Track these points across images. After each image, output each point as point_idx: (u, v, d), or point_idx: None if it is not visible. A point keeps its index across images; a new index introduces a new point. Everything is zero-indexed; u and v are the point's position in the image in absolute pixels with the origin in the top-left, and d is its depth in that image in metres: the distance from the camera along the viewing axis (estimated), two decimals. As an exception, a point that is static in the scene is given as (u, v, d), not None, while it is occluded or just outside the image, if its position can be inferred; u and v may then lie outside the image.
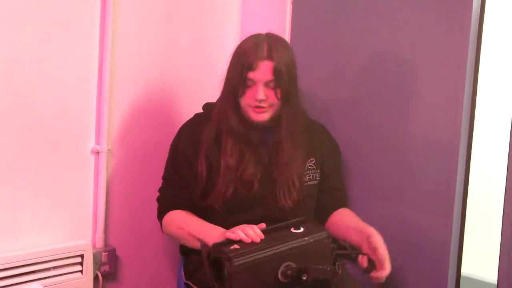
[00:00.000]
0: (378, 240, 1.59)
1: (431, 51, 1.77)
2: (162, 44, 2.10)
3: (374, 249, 1.58)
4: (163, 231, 1.83)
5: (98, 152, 1.94)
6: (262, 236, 1.45)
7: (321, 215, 1.86)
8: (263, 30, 1.77)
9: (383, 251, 1.57)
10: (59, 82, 1.83)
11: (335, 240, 1.48)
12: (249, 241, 1.43)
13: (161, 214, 1.81)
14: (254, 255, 1.35)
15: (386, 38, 1.88)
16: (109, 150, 1.96)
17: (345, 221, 1.80)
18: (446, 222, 1.72)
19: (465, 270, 1.74)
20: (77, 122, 1.89)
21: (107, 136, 1.94)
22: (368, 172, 1.91)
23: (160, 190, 1.85)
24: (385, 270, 1.56)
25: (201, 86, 2.19)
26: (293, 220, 1.48)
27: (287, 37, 2.14)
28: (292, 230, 1.43)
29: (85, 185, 1.94)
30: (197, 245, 1.60)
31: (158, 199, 1.84)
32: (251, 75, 1.66)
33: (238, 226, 1.50)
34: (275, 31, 1.79)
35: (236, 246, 1.40)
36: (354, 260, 1.51)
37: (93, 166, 1.95)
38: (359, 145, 1.94)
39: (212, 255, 1.38)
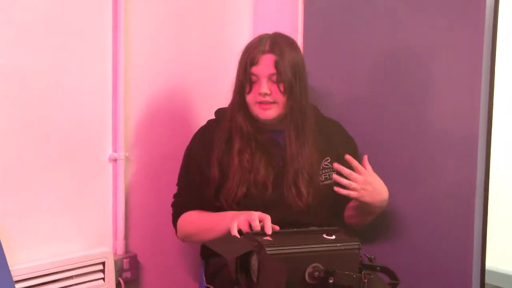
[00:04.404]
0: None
1: (446, 46, 1.76)
2: (175, 49, 2.10)
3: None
4: (178, 236, 1.83)
5: (115, 160, 1.95)
6: (276, 228, 1.49)
7: (340, 212, 1.85)
8: (275, 31, 1.77)
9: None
10: (74, 91, 1.84)
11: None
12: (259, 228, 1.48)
13: (175, 219, 1.82)
14: (286, 249, 1.37)
15: (400, 35, 1.88)
16: (126, 157, 1.97)
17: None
18: (467, 217, 1.71)
19: (490, 264, 1.72)
20: (94, 131, 1.90)
21: (124, 144, 1.95)
22: (386, 168, 1.89)
23: (174, 196, 1.86)
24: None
25: (215, 90, 2.19)
26: (327, 227, 1.50)
27: (300, 37, 2.14)
28: (325, 236, 1.44)
29: (104, 192, 1.95)
30: (212, 235, 1.62)
31: (172, 205, 1.85)
32: (254, 69, 1.68)
33: (255, 212, 1.52)
34: (288, 31, 1.81)
35: (268, 237, 1.42)
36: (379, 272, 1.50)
37: (111, 173, 1.96)
38: (377, 142, 1.93)
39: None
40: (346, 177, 1.64)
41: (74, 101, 1.84)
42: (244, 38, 2.27)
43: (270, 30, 1.79)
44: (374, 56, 1.95)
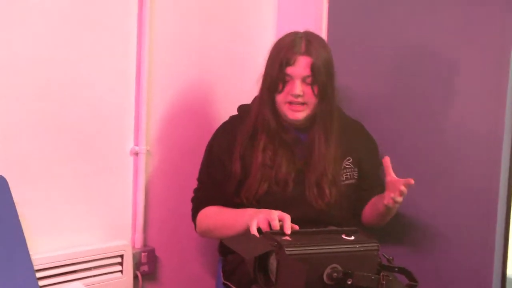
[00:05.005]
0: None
1: (471, 45, 1.74)
2: (199, 44, 2.10)
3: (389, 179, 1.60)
4: (197, 231, 1.83)
5: (137, 153, 1.95)
6: (295, 227, 1.48)
7: (358, 212, 1.85)
8: (299, 28, 1.77)
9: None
10: (97, 83, 1.85)
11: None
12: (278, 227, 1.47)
13: (194, 214, 1.82)
14: (305, 249, 1.37)
15: (424, 33, 1.86)
16: (147, 151, 1.97)
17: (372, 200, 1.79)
18: (489, 221, 1.70)
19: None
20: (116, 124, 1.91)
21: (145, 137, 1.95)
22: (407, 168, 1.88)
23: (194, 191, 1.86)
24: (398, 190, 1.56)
25: (238, 85, 2.19)
26: (346, 228, 1.50)
27: (323, 34, 2.12)
28: (343, 236, 1.44)
29: (124, 186, 1.95)
30: (231, 232, 1.63)
31: (192, 200, 1.85)
32: (289, 70, 1.67)
33: (275, 212, 1.51)
34: (312, 28, 1.79)
35: (287, 237, 1.42)
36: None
37: (132, 167, 1.96)
38: (399, 141, 1.92)
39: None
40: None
41: (97, 94, 1.85)
42: (268, 35, 2.28)
43: (293, 27, 1.79)
44: (398, 54, 1.93)
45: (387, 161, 1.64)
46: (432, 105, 1.84)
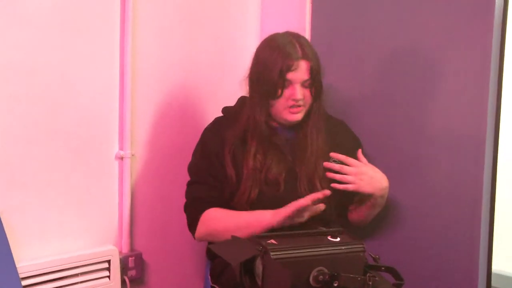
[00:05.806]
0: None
1: (453, 46, 1.75)
2: (183, 47, 2.10)
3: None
4: (195, 235, 1.75)
5: (122, 158, 1.95)
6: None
7: (344, 212, 1.85)
8: (283, 29, 1.77)
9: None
10: (81, 89, 1.84)
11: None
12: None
13: (197, 216, 1.73)
14: (290, 253, 1.37)
15: (407, 34, 1.87)
16: (133, 155, 1.97)
17: None
18: (474, 219, 1.71)
19: (496, 267, 1.71)
20: (101, 128, 1.90)
21: (130, 142, 1.95)
22: (391, 168, 1.89)
23: (192, 192, 1.77)
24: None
25: (222, 88, 2.19)
26: (331, 229, 1.51)
27: (307, 35, 2.13)
28: (329, 238, 1.44)
29: (110, 190, 1.95)
30: (247, 232, 1.58)
31: (193, 202, 1.76)
32: (289, 75, 1.67)
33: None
34: (295, 29, 1.80)
35: (273, 241, 1.41)
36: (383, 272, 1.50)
37: (118, 171, 1.96)
38: (383, 141, 1.92)
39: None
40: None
41: (81, 99, 1.84)
42: (252, 36, 2.28)
43: (277, 28, 1.79)
44: (382, 54, 1.94)
45: (359, 152, 1.75)
46: (415, 105, 1.85)
